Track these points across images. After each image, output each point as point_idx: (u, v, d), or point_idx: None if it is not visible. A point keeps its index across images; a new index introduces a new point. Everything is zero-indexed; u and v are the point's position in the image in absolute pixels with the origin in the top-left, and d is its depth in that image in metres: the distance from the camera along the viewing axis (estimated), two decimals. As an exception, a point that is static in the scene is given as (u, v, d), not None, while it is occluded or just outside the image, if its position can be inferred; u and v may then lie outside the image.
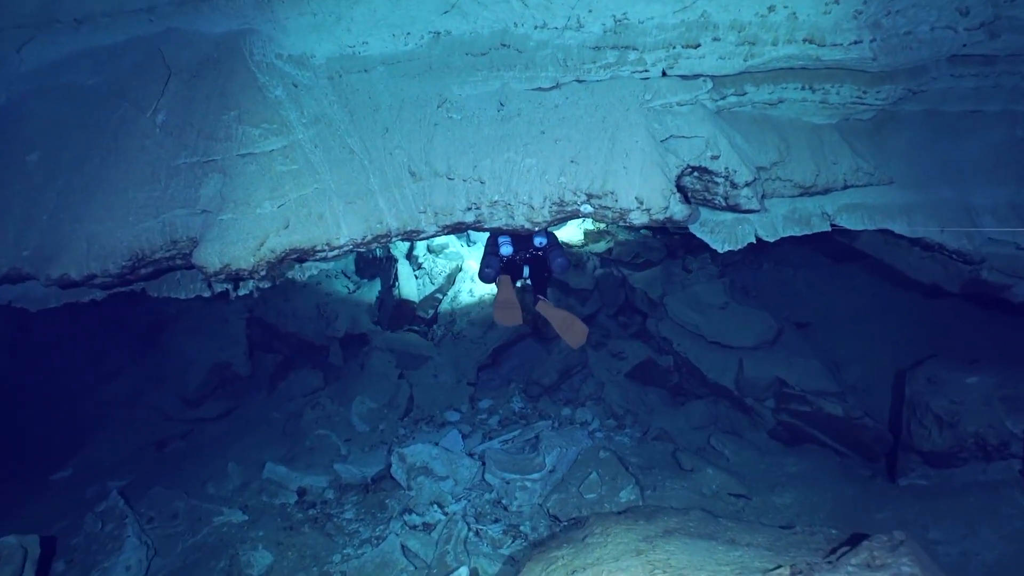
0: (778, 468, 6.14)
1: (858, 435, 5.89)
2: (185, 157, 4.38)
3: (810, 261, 8.91)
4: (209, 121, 4.41)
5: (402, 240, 4.67)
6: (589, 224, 9.94)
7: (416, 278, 9.82)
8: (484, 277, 5.56)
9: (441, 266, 9.77)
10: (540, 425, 6.97)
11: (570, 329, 5.61)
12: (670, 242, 9.27)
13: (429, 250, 10.52)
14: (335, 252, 4.38)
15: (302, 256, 4.33)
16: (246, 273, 4.06)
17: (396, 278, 9.65)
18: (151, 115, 4.46)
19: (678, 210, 4.27)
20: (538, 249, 5.51)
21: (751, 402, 7.03)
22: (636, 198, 4.23)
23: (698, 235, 5.00)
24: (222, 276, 4.09)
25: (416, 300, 9.53)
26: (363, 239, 4.40)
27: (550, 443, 6.23)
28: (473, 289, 9.33)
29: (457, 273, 9.79)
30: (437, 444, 6.91)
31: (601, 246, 9.27)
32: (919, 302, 7.05)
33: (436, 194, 4.55)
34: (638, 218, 4.28)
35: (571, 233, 9.97)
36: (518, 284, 5.78)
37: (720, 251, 4.88)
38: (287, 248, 4.20)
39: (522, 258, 5.61)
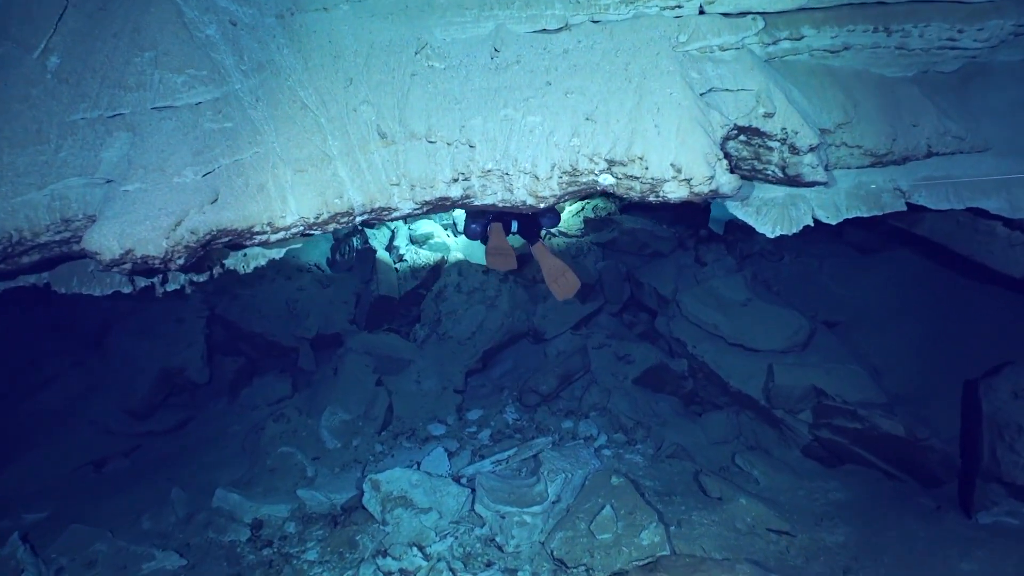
0: (820, 494, 5.22)
1: (920, 458, 4.98)
2: (84, 111, 3.35)
3: (834, 252, 8.00)
4: (117, 65, 3.39)
5: (370, 220, 3.66)
6: (589, 211, 8.98)
7: (397, 271, 8.80)
8: (470, 234, 5.33)
9: (425, 258, 8.77)
10: (539, 443, 6.00)
11: (560, 279, 5.28)
12: (680, 231, 8.33)
13: (412, 240, 9.51)
14: (280, 235, 3.37)
15: (236, 240, 3.32)
16: (157, 261, 3.04)
17: (374, 271, 8.63)
18: (40, 57, 3.41)
19: (725, 181, 3.30)
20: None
21: (781, 414, 6.10)
22: (672, 165, 3.26)
23: (740, 217, 4.04)
24: (126, 265, 3.07)
25: (397, 296, 8.51)
26: (317, 218, 3.40)
27: (552, 467, 5.26)
28: (461, 283, 8.33)
29: (443, 266, 8.78)
30: (419, 465, 5.94)
31: (604, 236, 8.30)
32: (973, 298, 6.15)
33: (413, 161, 3.56)
34: (675, 191, 3.30)
35: (570, 222, 9.00)
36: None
37: (770, 235, 3.92)
38: (214, 228, 3.18)
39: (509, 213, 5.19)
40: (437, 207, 3.67)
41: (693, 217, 9.22)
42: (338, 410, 7.03)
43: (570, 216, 9.10)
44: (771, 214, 3.92)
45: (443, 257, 8.88)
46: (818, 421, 5.66)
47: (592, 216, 8.71)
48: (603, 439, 6.42)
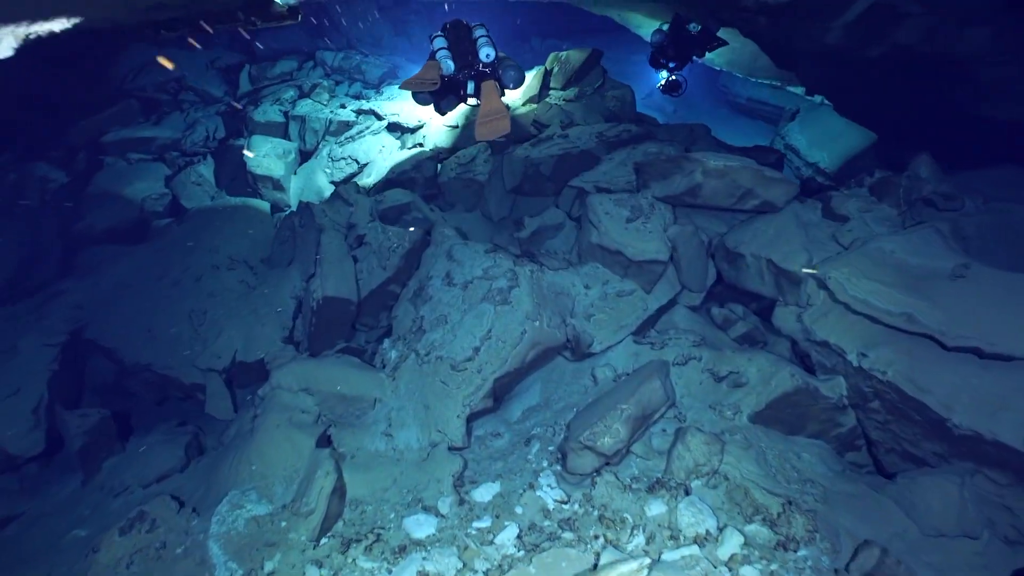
0: None
1: None
2: None
3: (1041, 193, 5.05)
4: None
5: None
6: (639, 155, 5.97)
7: (356, 261, 5.79)
8: (421, 99, 4.95)
9: (397, 239, 5.75)
10: (626, 572, 2.98)
11: (493, 121, 4.71)
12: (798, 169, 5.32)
13: (378, 217, 6.50)
14: None
15: None
16: None
17: (318, 262, 5.60)
18: None
19: None
20: (485, 65, 4.78)
21: (1093, 483, 3.10)
22: None
23: None
24: None
25: (354, 298, 5.50)
26: None
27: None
28: (453, 272, 5.30)
29: (423, 249, 5.78)
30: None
31: (675, 185, 5.27)
32: None
33: None
34: None
35: (613, 173, 5.99)
36: (463, 105, 5.26)
37: None
38: None
39: (466, 75, 4.86)
40: None
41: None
42: (247, 498, 4.01)
43: (614, 166, 6.10)
44: None
45: (424, 234, 5.87)
46: None
47: (643, 160, 5.68)
48: (734, 540, 3.40)
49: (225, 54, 13.38)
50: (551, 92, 7.77)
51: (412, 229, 5.83)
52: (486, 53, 4.68)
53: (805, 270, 4.51)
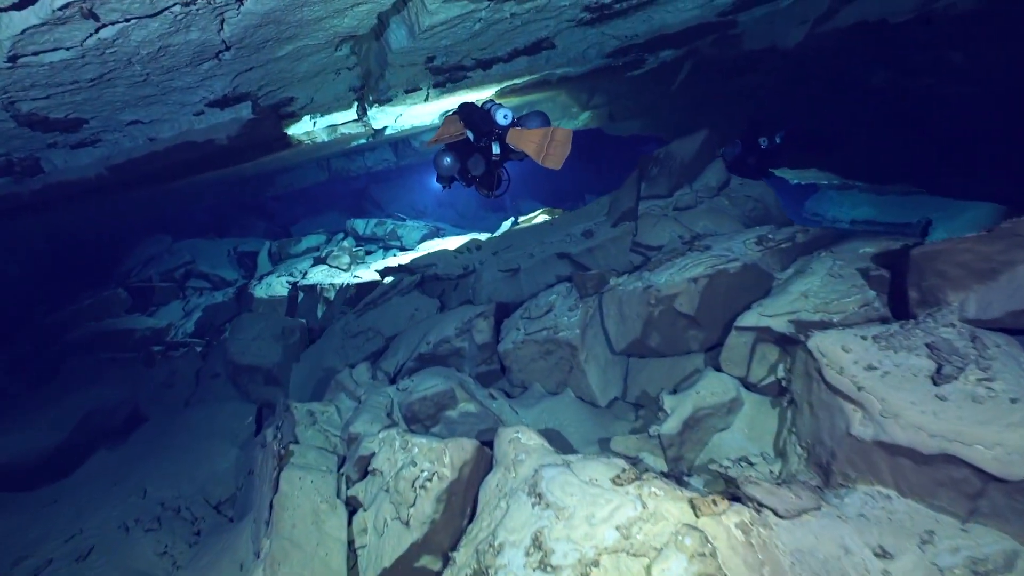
0: None
1: None
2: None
3: None
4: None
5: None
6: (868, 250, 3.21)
7: (354, 509, 2.95)
8: (445, 168, 4.40)
9: (427, 463, 2.92)
10: None
11: (550, 145, 4.13)
12: None
13: (402, 415, 3.77)
14: None
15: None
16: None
17: (271, 528, 2.77)
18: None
19: None
20: (504, 127, 4.36)
21: None
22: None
23: None
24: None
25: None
26: None
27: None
28: (545, 535, 2.38)
29: (481, 476, 2.92)
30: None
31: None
32: None
33: None
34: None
35: (823, 295, 3.19)
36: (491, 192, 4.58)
37: None
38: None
39: (487, 142, 4.42)
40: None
41: None
42: None
43: (818, 283, 3.30)
44: None
45: (480, 449, 3.02)
46: None
47: (920, 251, 2.86)
48: None
49: (251, 240, 11.95)
50: (652, 203, 5.29)
51: (457, 439, 3.02)
52: (503, 115, 4.29)
53: None
